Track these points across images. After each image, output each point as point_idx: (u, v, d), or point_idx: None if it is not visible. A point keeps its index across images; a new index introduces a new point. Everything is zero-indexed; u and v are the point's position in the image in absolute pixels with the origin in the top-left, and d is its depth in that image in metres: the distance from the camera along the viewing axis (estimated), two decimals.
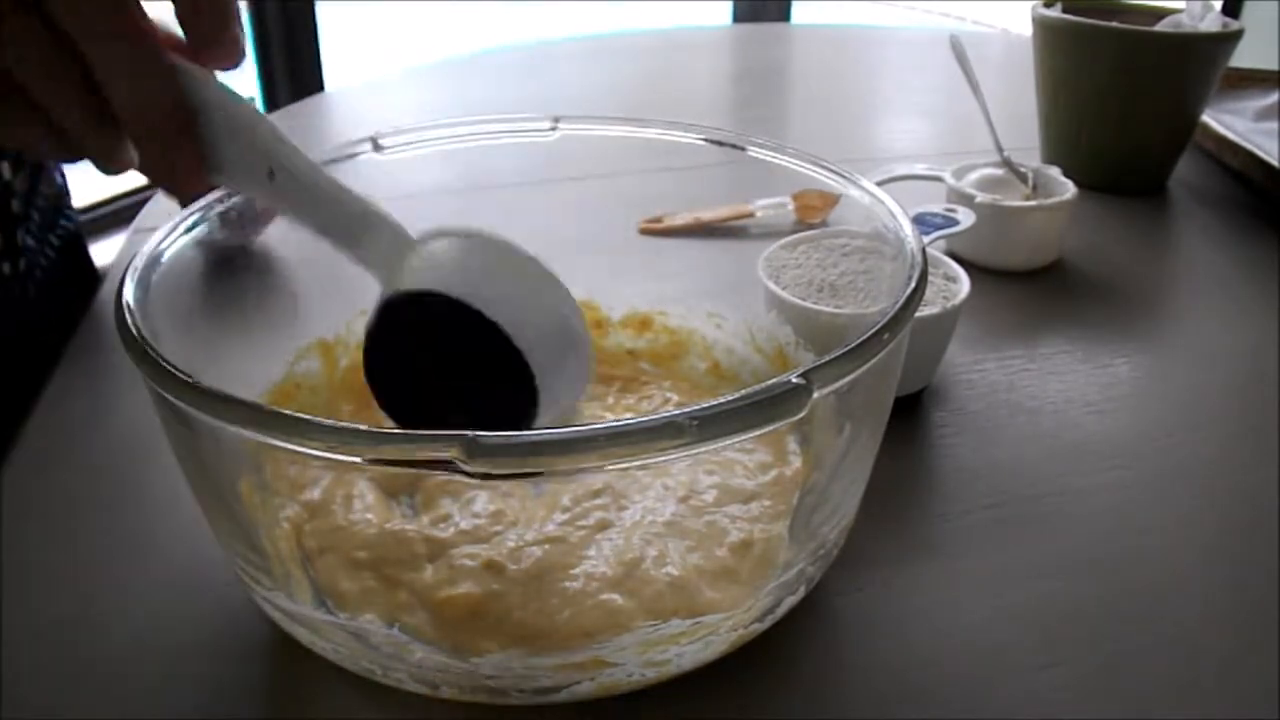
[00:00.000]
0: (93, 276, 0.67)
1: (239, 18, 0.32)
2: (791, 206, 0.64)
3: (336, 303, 0.47)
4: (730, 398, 0.27)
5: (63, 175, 0.66)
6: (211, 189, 0.35)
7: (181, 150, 0.31)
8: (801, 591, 0.37)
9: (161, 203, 0.72)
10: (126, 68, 0.29)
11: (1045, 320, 0.61)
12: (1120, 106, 0.76)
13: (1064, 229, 0.66)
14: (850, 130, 0.97)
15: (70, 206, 0.66)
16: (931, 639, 0.37)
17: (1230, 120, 0.83)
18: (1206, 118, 0.81)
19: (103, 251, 0.70)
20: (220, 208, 0.39)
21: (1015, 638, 0.38)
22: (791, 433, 0.41)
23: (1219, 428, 0.51)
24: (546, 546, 0.36)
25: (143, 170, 0.31)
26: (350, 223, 0.33)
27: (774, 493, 0.39)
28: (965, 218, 0.57)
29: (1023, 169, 0.68)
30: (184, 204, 0.38)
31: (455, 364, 0.34)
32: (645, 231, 0.59)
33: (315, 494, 0.38)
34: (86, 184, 0.67)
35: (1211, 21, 0.75)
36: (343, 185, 0.34)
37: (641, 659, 0.33)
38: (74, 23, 0.28)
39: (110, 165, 0.32)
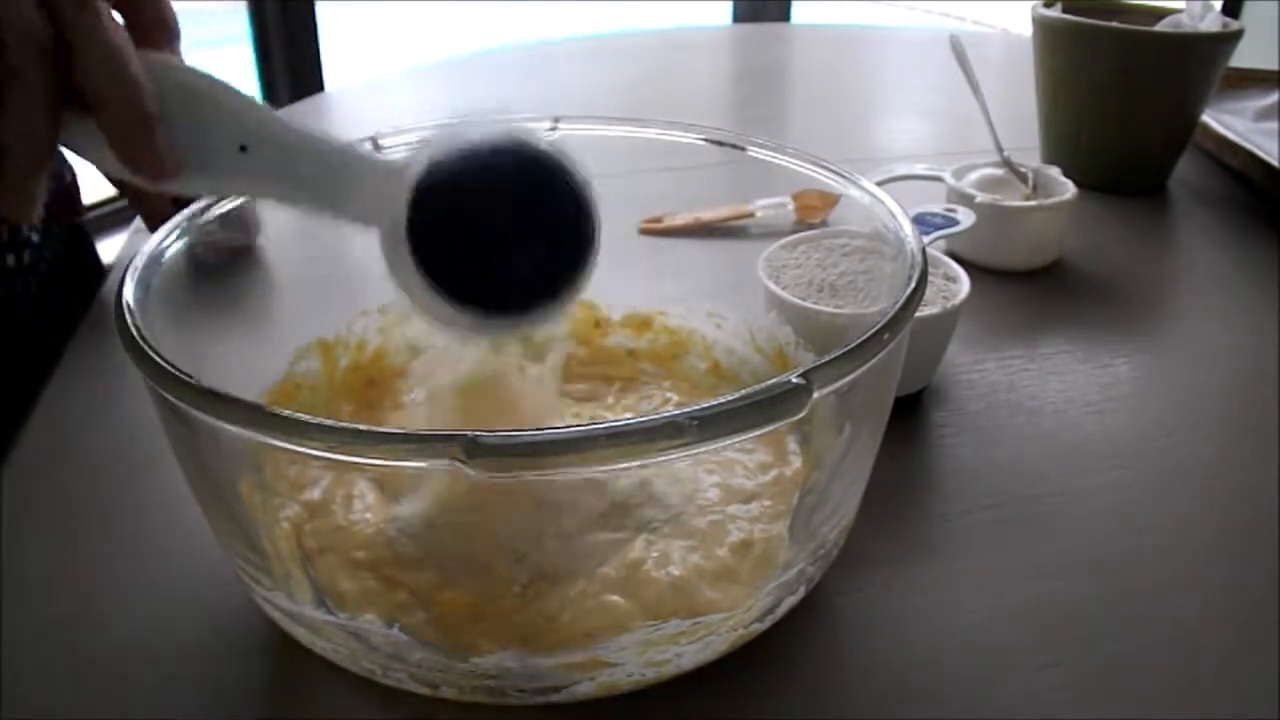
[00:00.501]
0: (98, 274, 0.67)
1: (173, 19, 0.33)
2: (791, 206, 0.64)
3: (336, 303, 0.47)
4: (730, 398, 0.27)
5: (72, 172, 0.66)
6: (176, 194, 0.34)
7: (154, 135, 0.31)
8: (801, 591, 0.37)
9: None
10: (104, 37, 0.30)
11: (1045, 320, 0.61)
12: (1120, 106, 0.76)
13: (1064, 229, 0.66)
14: (850, 130, 0.97)
15: (79, 203, 0.66)
16: (931, 639, 0.37)
17: (1230, 120, 0.83)
18: (1206, 118, 0.81)
19: (104, 251, 0.70)
20: (220, 208, 0.39)
21: (1015, 638, 0.38)
22: (791, 433, 0.41)
23: (1219, 428, 0.51)
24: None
25: (119, 156, 0.31)
26: (337, 174, 0.32)
27: (774, 493, 0.39)
28: (965, 218, 0.57)
29: (1023, 169, 0.68)
30: (153, 228, 0.37)
31: (518, 219, 0.32)
32: (645, 231, 0.59)
33: (315, 494, 0.38)
34: (87, 185, 0.67)
35: (1211, 21, 0.75)
36: (325, 138, 0.32)
37: (641, 659, 0.33)
38: None
39: (35, 168, 0.31)
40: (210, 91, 0.32)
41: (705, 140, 0.47)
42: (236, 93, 0.32)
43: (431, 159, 0.31)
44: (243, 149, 0.31)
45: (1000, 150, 0.69)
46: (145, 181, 0.32)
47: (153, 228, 0.38)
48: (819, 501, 0.36)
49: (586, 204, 0.32)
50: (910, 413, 0.50)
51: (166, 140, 0.31)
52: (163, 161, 0.31)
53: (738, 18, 2.14)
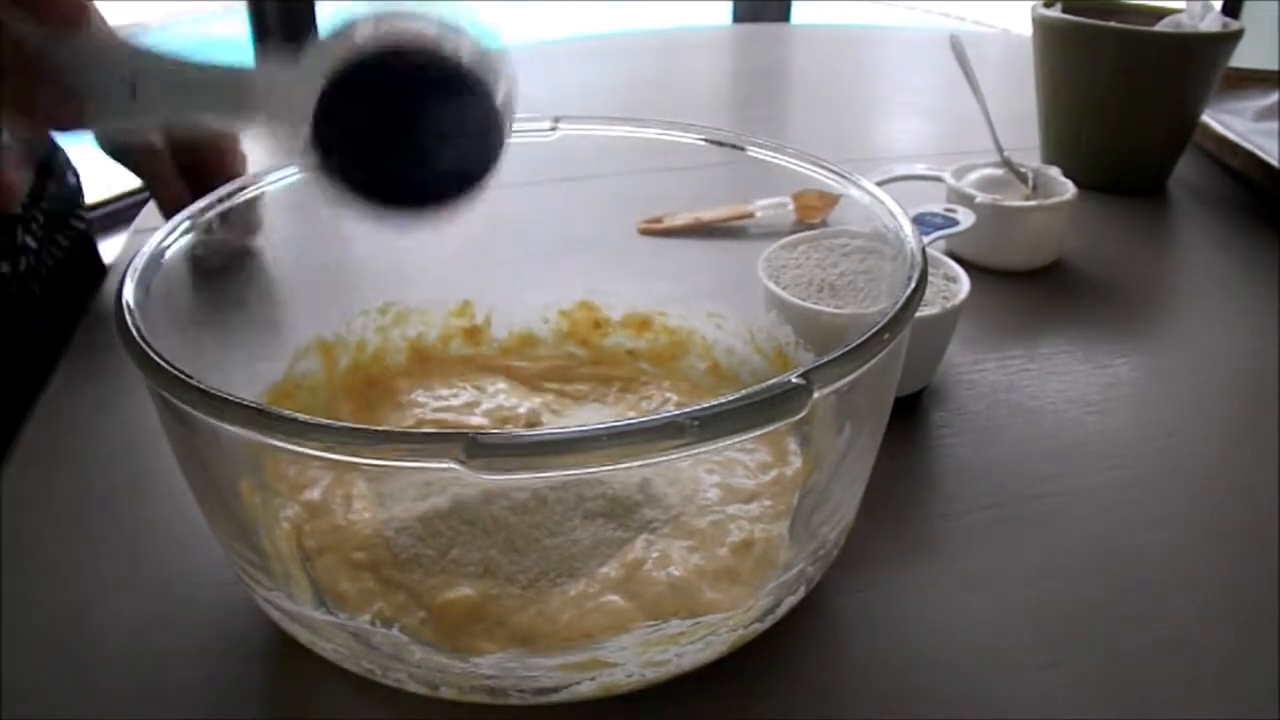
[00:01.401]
0: (99, 275, 0.67)
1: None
2: (791, 206, 0.64)
3: (336, 303, 0.47)
4: (730, 398, 0.27)
5: (76, 176, 0.66)
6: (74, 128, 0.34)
7: (42, 83, 0.30)
8: (801, 591, 0.37)
9: None
10: None
11: (1045, 320, 0.61)
12: (1120, 106, 0.76)
13: (1064, 229, 0.66)
14: (850, 130, 0.97)
15: (83, 207, 0.66)
16: (931, 639, 0.37)
17: (1230, 120, 0.83)
18: (1206, 118, 0.81)
19: (104, 251, 0.70)
20: (220, 208, 0.39)
21: (1015, 638, 0.38)
22: (791, 433, 0.41)
23: (1219, 428, 0.51)
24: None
25: (13, 108, 0.31)
26: (235, 93, 0.32)
27: (774, 493, 0.39)
28: (965, 218, 0.57)
29: (1023, 169, 0.68)
30: (167, 216, 0.38)
31: (424, 112, 0.32)
32: (645, 231, 0.59)
33: (315, 494, 0.38)
34: (88, 186, 0.67)
35: (1211, 21, 0.75)
36: (215, 64, 0.32)
37: (641, 659, 0.33)
38: None
39: None
40: (85, 37, 0.32)
41: (705, 140, 0.47)
42: (116, 34, 0.32)
43: (335, 62, 0.31)
44: (133, 93, 0.32)
45: (1000, 150, 0.69)
46: (44, 117, 0.31)
47: (167, 216, 0.38)
48: (819, 501, 0.36)
49: (494, 101, 0.32)
50: (910, 413, 0.50)
51: (57, 88, 0.31)
52: (56, 112, 0.31)
53: (738, 18, 2.14)
